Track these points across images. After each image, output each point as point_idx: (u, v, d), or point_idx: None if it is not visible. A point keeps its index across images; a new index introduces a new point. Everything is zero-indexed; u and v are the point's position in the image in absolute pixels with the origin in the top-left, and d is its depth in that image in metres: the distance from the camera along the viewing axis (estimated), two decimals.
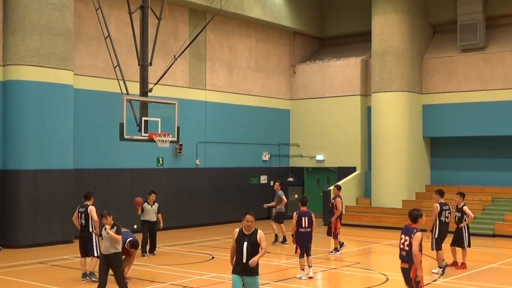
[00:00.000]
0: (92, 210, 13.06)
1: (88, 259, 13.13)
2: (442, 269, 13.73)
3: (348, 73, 26.39)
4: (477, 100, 23.68)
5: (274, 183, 18.72)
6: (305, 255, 13.56)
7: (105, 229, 10.73)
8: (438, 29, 25.91)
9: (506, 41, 23.73)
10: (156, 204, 16.63)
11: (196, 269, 14.51)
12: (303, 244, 13.53)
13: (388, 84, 24.17)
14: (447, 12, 24.95)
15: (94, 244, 12.97)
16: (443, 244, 14.13)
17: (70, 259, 15.55)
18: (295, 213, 13.67)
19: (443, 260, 13.90)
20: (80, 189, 18.27)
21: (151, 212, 16.48)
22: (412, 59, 24.48)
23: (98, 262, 10.93)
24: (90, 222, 13.02)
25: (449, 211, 14.42)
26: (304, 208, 13.75)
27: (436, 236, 14.01)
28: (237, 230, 8.91)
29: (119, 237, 10.81)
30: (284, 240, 18.63)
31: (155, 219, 16.60)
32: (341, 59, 26.80)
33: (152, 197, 16.60)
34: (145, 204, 16.43)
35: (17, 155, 17.90)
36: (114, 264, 10.79)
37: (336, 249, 16.94)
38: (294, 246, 16.71)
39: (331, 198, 17.94)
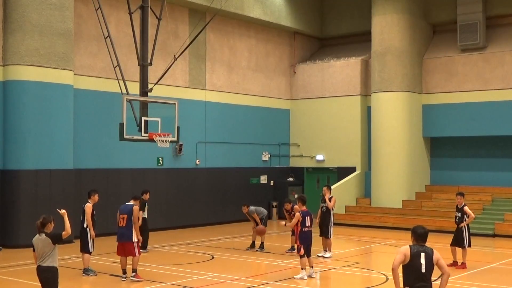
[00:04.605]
0: (87, 207, 13.54)
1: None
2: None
3: (348, 73, 26.39)
4: (477, 100, 23.68)
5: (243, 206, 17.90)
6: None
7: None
8: (438, 29, 25.90)
9: (506, 41, 23.72)
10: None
11: (196, 269, 14.51)
12: (307, 242, 13.52)
13: (388, 84, 24.17)
14: (447, 12, 24.95)
15: (88, 240, 13.47)
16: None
17: (70, 259, 15.55)
18: (298, 213, 13.59)
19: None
20: (80, 189, 18.34)
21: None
22: (412, 59, 24.47)
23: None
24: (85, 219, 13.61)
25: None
26: (304, 208, 13.74)
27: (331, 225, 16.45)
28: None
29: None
30: (261, 247, 17.61)
31: (145, 216, 16.85)
32: (341, 59, 26.80)
33: (146, 196, 16.94)
34: None
35: (17, 155, 17.90)
36: (48, 279, 8.89)
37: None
38: (294, 246, 16.85)
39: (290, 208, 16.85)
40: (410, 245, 7.30)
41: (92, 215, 13.59)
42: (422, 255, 7.17)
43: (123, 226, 13.02)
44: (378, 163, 24.37)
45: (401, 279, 7.24)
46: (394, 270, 7.20)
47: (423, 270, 7.13)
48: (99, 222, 18.44)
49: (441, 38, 25.61)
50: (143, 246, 16.76)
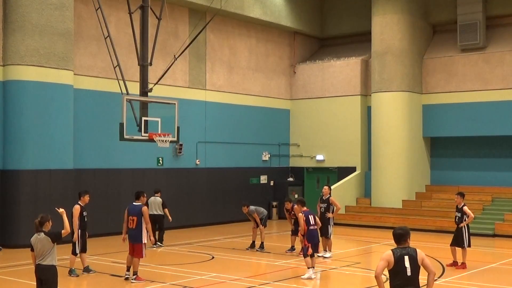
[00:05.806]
0: (74, 209, 13.51)
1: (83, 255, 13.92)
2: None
3: (348, 73, 26.39)
4: (477, 100, 23.68)
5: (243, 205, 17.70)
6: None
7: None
8: (438, 29, 25.90)
9: (506, 41, 23.72)
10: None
11: (196, 269, 14.51)
12: (314, 241, 13.64)
13: (388, 84, 24.17)
14: (447, 12, 24.95)
15: (76, 242, 13.50)
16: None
17: (69, 259, 15.52)
18: (301, 213, 13.70)
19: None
20: (80, 189, 18.26)
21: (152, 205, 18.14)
22: (412, 59, 24.47)
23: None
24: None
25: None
26: (305, 208, 13.89)
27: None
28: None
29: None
30: (261, 246, 17.54)
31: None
32: (341, 59, 26.80)
33: (158, 195, 18.69)
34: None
35: (17, 155, 17.89)
36: (48, 278, 8.92)
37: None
38: (294, 246, 16.87)
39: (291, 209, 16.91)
40: (392, 250, 7.13)
41: (81, 216, 13.52)
42: (406, 258, 7.02)
43: (133, 228, 12.92)
44: (378, 163, 24.37)
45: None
46: (377, 278, 7.04)
47: (409, 274, 6.98)
48: (99, 222, 18.56)
49: (441, 38, 25.61)
50: (159, 240, 17.93)
